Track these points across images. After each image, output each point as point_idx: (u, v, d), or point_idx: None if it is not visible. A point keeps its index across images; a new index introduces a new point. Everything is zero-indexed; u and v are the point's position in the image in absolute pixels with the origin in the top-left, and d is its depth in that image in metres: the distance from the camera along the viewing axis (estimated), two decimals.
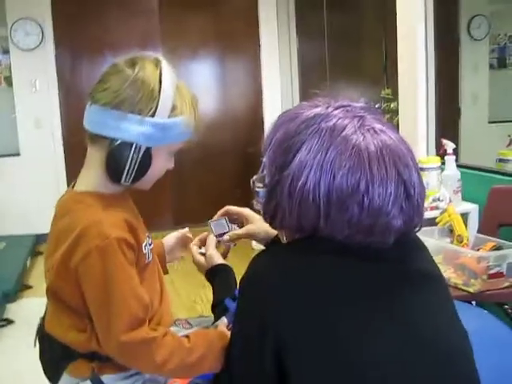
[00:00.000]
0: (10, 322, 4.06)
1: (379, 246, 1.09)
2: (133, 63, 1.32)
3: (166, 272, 1.72)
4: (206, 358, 1.33)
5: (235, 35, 6.47)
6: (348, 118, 1.11)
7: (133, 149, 1.29)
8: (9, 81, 6.03)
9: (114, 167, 1.31)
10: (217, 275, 1.58)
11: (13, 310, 4.28)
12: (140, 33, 6.13)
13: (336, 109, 1.13)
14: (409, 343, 1.07)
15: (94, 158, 1.34)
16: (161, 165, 1.38)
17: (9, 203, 5.80)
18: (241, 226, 1.68)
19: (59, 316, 1.37)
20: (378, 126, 1.11)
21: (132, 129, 1.28)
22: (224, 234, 1.65)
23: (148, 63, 1.33)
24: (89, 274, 1.26)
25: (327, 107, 1.14)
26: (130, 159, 1.29)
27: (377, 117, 1.14)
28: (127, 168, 1.30)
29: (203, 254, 1.63)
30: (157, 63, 1.34)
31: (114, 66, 1.34)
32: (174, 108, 1.32)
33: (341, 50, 5.41)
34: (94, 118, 1.31)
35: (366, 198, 1.05)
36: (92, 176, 1.36)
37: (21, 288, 4.65)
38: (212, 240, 1.64)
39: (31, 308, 4.22)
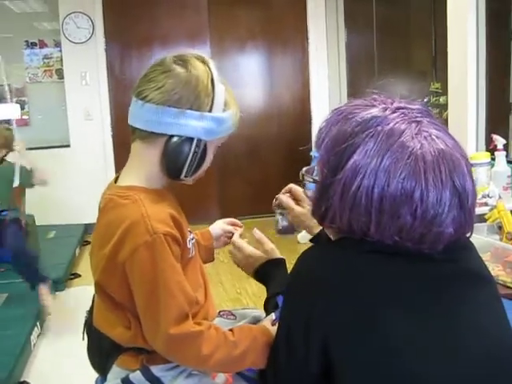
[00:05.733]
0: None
1: (428, 251, 1.07)
2: (183, 61, 1.33)
3: (212, 259, 1.75)
4: (249, 353, 1.33)
5: (283, 29, 6.46)
6: (405, 123, 1.08)
7: (194, 143, 1.31)
8: (60, 73, 6.16)
9: (174, 162, 1.32)
10: (275, 269, 1.57)
11: (62, 297, 4.38)
12: (189, 27, 6.17)
13: (393, 112, 1.10)
14: (455, 342, 1.06)
15: (147, 155, 1.35)
16: (211, 157, 1.40)
17: (59, 193, 5.93)
18: None
19: (105, 312, 1.39)
20: (434, 132, 1.08)
21: (192, 124, 1.30)
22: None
23: (197, 61, 1.34)
24: (137, 269, 1.27)
25: (384, 109, 1.11)
26: (191, 154, 1.32)
27: (433, 120, 1.12)
28: (188, 163, 1.32)
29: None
30: (203, 61, 1.36)
31: (162, 64, 1.34)
32: (226, 102, 1.35)
33: (389, 42, 5.35)
34: (148, 117, 1.31)
35: (419, 208, 1.04)
36: (142, 171, 1.37)
37: (70, 276, 4.76)
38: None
39: (80, 296, 4.32)
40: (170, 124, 1.30)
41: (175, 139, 1.31)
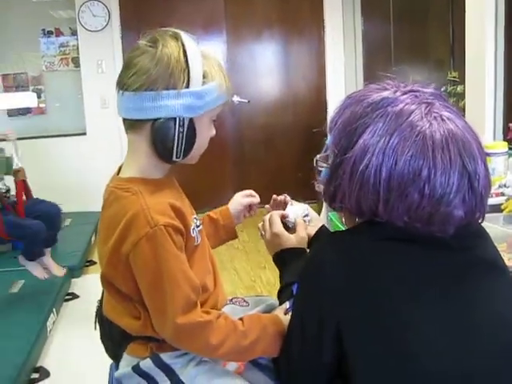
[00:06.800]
0: (75, 296, 4.20)
1: (439, 235, 1.07)
2: (154, 41, 1.32)
3: (235, 236, 1.76)
4: (259, 343, 1.33)
5: (299, 17, 6.43)
6: (416, 104, 1.09)
7: (177, 123, 1.29)
8: (76, 62, 6.18)
9: (163, 145, 1.31)
10: (294, 258, 1.54)
11: (78, 284, 4.43)
12: (205, 15, 6.16)
13: (404, 94, 1.11)
14: (470, 331, 1.06)
15: (138, 144, 1.35)
16: (205, 134, 1.38)
17: (75, 181, 5.96)
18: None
19: (113, 302, 1.40)
20: (445, 114, 1.08)
21: (171, 104, 1.29)
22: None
23: (168, 38, 1.33)
24: (140, 261, 1.27)
25: (395, 91, 1.12)
26: (176, 133, 1.30)
27: (446, 104, 1.12)
28: (176, 143, 1.30)
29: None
30: (176, 36, 1.33)
31: (136, 48, 1.33)
32: (205, 75, 1.32)
33: (406, 30, 5.30)
34: (130, 105, 1.31)
35: (427, 186, 1.04)
36: (137, 162, 1.37)
37: (86, 264, 4.80)
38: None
39: (95, 283, 4.35)
40: (149, 108, 1.29)
41: (158, 122, 1.29)
